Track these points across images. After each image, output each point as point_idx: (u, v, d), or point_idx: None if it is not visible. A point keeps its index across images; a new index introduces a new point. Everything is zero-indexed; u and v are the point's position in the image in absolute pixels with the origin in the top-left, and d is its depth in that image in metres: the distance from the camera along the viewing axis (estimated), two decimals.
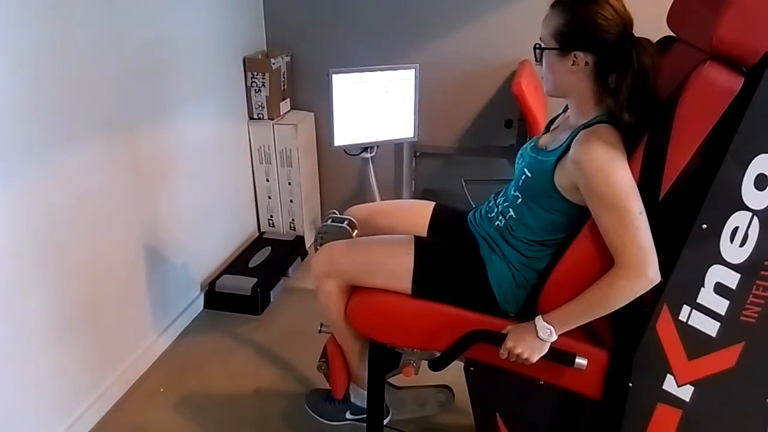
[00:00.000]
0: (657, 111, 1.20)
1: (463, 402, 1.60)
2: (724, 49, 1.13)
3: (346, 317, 1.52)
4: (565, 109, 1.52)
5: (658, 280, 1.21)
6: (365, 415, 1.67)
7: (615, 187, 1.20)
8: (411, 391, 1.76)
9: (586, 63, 1.29)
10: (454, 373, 1.50)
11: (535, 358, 1.31)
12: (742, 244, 1.21)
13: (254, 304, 2.58)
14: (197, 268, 2.63)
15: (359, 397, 1.67)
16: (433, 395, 1.78)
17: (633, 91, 1.24)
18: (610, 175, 1.20)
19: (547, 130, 1.54)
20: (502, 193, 1.53)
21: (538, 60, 1.37)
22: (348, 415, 1.70)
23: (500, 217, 1.47)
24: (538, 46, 1.36)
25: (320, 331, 1.70)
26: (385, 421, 1.68)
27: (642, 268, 1.20)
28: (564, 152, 1.30)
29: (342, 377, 1.65)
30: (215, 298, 2.63)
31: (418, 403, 1.77)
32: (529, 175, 1.38)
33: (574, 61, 1.30)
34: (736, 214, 1.20)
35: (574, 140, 1.26)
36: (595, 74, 1.30)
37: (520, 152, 1.52)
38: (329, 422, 1.72)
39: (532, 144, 1.49)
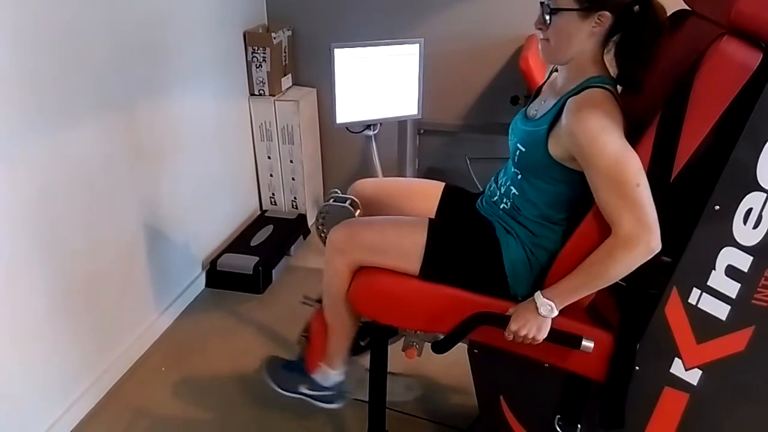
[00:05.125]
0: (672, 86, 1.16)
1: (467, 383, 1.58)
2: (743, 23, 1.09)
3: (347, 296, 1.50)
4: (549, 75, 1.47)
5: (659, 249, 1.18)
6: (320, 393, 1.65)
7: (611, 157, 1.16)
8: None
9: (609, 25, 1.24)
10: (458, 354, 1.48)
11: (541, 337, 1.29)
12: (755, 226, 1.17)
13: (256, 282, 2.57)
14: (198, 247, 2.61)
15: (322, 375, 1.64)
16: (401, 382, 1.75)
17: (648, 49, 1.21)
18: (606, 144, 1.17)
19: (535, 97, 1.49)
20: (502, 174, 1.50)
21: (547, 22, 1.27)
22: (303, 389, 1.66)
23: (504, 199, 1.44)
24: (552, 7, 1.26)
25: (303, 302, 1.66)
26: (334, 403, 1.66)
27: (639, 238, 1.16)
28: (554, 120, 1.26)
29: (320, 354, 1.62)
30: (217, 277, 2.61)
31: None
32: (523, 149, 1.34)
33: (597, 23, 1.24)
34: (749, 195, 1.16)
35: (566, 109, 1.22)
36: (606, 36, 1.27)
37: (511, 126, 1.47)
38: (283, 392, 1.67)
39: (521, 115, 1.45)
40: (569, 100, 1.23)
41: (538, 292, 1.29)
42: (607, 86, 1.24)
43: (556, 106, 1.27)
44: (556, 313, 1.28)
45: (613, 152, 1.16)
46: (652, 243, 1.17)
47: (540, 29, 1.31)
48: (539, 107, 1.38)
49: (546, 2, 1.27)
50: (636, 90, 1.25)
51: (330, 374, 1.63)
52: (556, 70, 1.42)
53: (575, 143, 1.20)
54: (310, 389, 1.66)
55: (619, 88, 1.29)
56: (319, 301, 1.73)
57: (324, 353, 1.62)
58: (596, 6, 1.23)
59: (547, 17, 1.27)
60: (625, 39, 1.25)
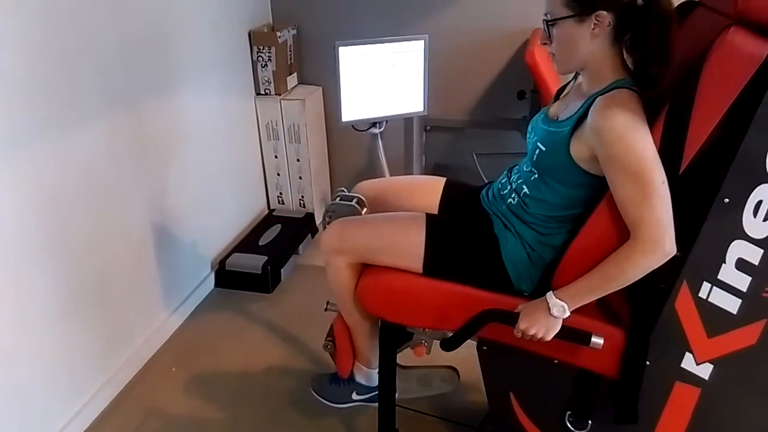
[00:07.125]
0: (679, 79, 1.15)
1: (476, 380, 1.58)
2: (750, 14, 1.08)
3: (355, 295, 1.50)
4: (575, 76, 1.46)
5: (674, 253, 1.17)
6: (371, 395, 1.66)
7: (637, 156, 1.15)
8: (415, 371, 1.74)
9: (609, 23, 1.22)
10: (467, 352, 1.48)
11: (549, 337, 1.28)
12: (765, 218, 1.16)
13: (265, 282, 2.57)
14: (207, 247, 2.62)
15: (364, 376, 1.65)
16: (437, 375, 1.76)
17: (658, 41, 1.19)
18: (632, 142, 1.15)
19: (557, 98, 1.48)
20: (515, 169, 1.48)
21: (549, 36, 1.29)
22: (354, 396, 1.69)
23: (513, 195, 1.43)
24: (549, 19, 1.27)
25: (326, 309, 1.68)
26: None
27: (659, 242, 1.16)
28: (579, 121, 1.25)
29: (348, 356, 1.64)
30: (226, 277, 2.62)
31: (422, 383, 1.75)
32: (543, 149, 1.32)
33: (596, 24, 1.22)
34: (760, 187, 1.15)
35: (592, 108, 1.21)
36: (614, 35, 1.24)
37: (530, 125, 1.46)
38: (337, 405, 1.71)
39: (543, 115, 1.44)
40: (597, 98, 1.22)
41: (551, 292, 1.28)
42: (633, 88, 1.23)
43: (583, 106, 1.26)
44: (568, 314, 1.27)
45: (641, 150, 1.15)
46: (668, 246, 1.16)
47: (545, 44, 1.32)
48: (564, 110, 1.36)
49: (545, 18, 1.28)
50: (650, 86, 1.22)
51: (370, 373, 1.64)
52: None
53: (600, 140, 1.19)
54: (360, 394, 1.68)
55: None
56: None
57: (356, 353, 1.64)
58: (589, 7, 1.22)
59: (548, 31, 1.28)
60: (634, 34, 1.23)
